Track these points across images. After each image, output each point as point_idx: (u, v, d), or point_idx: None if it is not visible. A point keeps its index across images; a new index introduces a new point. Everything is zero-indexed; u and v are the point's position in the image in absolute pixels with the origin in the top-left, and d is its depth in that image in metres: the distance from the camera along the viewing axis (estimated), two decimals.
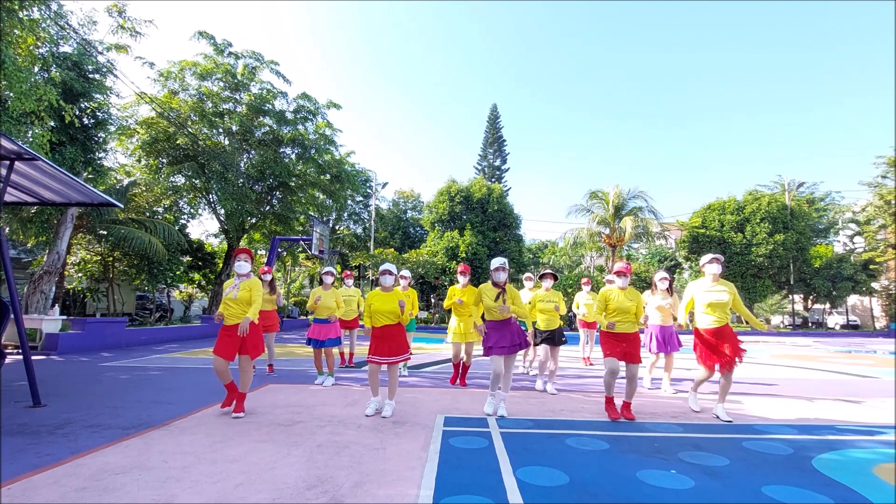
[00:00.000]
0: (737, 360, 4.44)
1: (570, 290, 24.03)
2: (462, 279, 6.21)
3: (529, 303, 6.05)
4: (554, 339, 5.82)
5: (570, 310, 25.16)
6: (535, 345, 6.04)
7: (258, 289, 4.59)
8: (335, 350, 6.80)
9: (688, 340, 6.03)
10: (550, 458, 3.28)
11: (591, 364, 8.77)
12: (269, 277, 7.00)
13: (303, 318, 26.74)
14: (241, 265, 4.60)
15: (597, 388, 6.25)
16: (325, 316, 6.16)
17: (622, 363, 4.55)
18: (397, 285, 7.12)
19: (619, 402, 4.67)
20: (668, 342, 6.01)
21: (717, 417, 4.57)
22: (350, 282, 7.76)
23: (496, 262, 4.67)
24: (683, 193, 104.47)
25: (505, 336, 4.56)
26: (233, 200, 18.51)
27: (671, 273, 29.02)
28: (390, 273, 4.67)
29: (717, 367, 4.54)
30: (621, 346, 4.54)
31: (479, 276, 25.41)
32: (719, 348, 4.49)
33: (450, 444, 3.60)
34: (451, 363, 7.09)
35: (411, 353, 4.84)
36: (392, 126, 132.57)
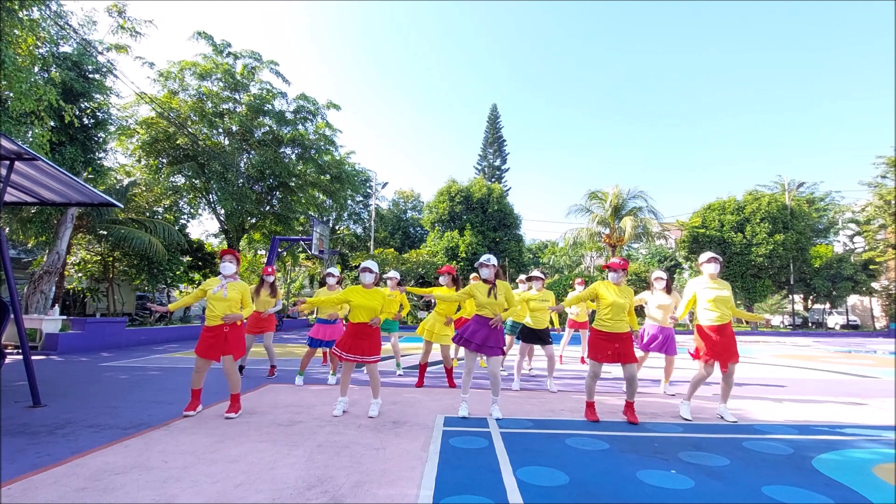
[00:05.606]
0: (732, 361, 4.36)
1: (569, 290, 24.05)
2: (443, 279, 6.26)
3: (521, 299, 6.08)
4: (542, 338, 5.89)
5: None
6: (524, 341, 6.08)
7: (248, 292, 4.61)
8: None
9: (686, 341, 5.98)
10: (550, 458, 3.28)
11: (584, 362, 8.78)
12: (271, 279, 6.93)
13: (303, 318, 26.70)
14: (227, 266, 4.52)
15: (598, 388, 6.21)
16: (324, 316, 6.18)
17: (603, 365, 4.39)
18: (382, 285, 7.09)
19: (618, 402, 4.59)
20: (667, 343, 5.87)
21: (722, 418, 4.47)
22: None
23: (486, 258, 4.52)
24: (683, 193, 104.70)
25: (478, 334, 4.36)
26: (233, 200, 18.52)
27: (670, 273, 29.07)
28: (370, 271, 4.49)
29: (716, 365, 4.43)
30: (613, 346, 4.33)
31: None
32: (719, 347, 4.37)
33: (450, 444, 3.60)
34: (442, 365, 6.86)
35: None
36: (392, 126, 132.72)
